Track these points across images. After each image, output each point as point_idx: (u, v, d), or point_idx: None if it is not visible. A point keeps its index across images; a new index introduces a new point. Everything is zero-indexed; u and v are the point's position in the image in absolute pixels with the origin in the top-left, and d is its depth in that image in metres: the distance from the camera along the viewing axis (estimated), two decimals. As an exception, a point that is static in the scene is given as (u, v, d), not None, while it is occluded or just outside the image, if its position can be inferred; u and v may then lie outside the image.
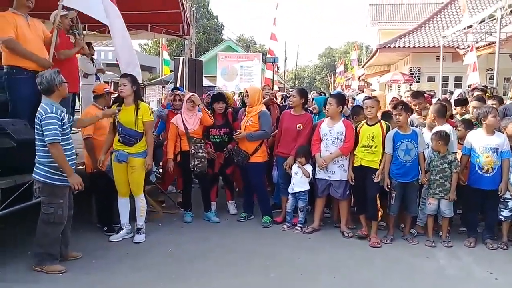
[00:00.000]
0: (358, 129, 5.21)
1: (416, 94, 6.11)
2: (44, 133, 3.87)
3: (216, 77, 21.22)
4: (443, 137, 5.02)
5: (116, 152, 4.82)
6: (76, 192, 4.12)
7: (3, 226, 4.81)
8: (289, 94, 6.85)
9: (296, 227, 5.46)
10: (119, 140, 4.81)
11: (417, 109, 5.80)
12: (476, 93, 6.52)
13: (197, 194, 6.05)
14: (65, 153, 3.98)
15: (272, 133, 5.88)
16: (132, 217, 5.07)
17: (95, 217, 5.44)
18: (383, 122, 5.19)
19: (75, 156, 4.24)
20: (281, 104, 7.66)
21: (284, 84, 33.71)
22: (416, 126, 5.53)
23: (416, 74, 20.48)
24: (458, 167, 5.01)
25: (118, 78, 17.21)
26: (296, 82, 52.59)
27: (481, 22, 11.92)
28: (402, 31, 21.69)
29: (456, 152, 5.15)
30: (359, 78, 26.63)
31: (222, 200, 6.30)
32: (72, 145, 4.20)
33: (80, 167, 5.07)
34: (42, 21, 6.25)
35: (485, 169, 4.96)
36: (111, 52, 21.88)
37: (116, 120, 4.82)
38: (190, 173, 5.72)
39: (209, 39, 39.86)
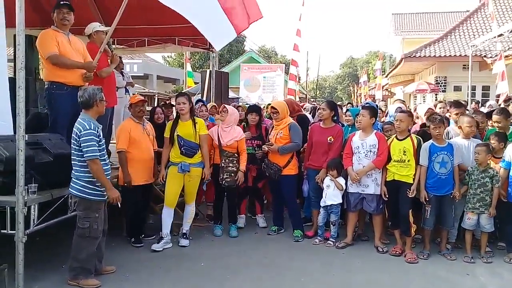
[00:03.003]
0: (388, 144, 5.13)
1: (458, 104, 5.95)
2: (83, 150, 3.91)
3: (239, 88, 21.32)
4: (490, 149, 4.95)
5: (178, 164, 5.14)
6: (114, 204, 4.17)
7: (37, 239, 4.85)
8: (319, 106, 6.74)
9: (329, 242, 5.37)
10: (181, 153, 5.14)
11: (457, 119, 5.65)
12: (512, 105, 6.27)
13: (226, 206, 6.01)
14: None
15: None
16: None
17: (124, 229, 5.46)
18: (413, 136, 5.10)
19: (110, 172, 4.26)
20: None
21: (306, 95, 33.63)
22: (451, 138, 5.40)
23: (442, 83, 20.14)
24: (499, 181, 4.86)
25: (144, 90, 17.24)
26: (318, 92, 52.35)
27: (512, 30, 11.65)
28: (426, 40, 21.39)
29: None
30: (382, 88, 26.36)
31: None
32: (108, 160, 4.24)
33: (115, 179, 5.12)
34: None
35: (524, 183, 4.80)
36: (136, 65, 22.20)
37: (176, 134, 5.16)
38: (220, 187, 5.69)
39: (231, 50, 40.10)
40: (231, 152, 5.57)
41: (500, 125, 5.43)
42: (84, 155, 3.91)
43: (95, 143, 3.93)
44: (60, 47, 4.76)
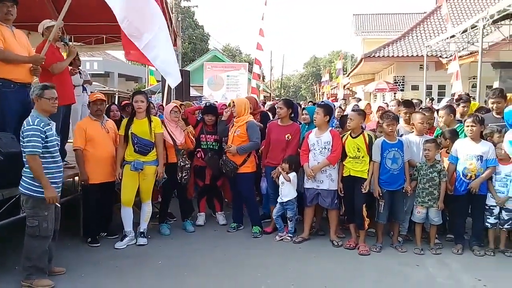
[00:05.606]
0: (343, 141, 5.28)
1: (408, 103, 6.19)
2: (24, 145, 3.84)
3: (202, 86, 21.20)
4: (438, 145, 5.17)
5: (132, 162, 5.10)
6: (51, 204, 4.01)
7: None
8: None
9: (286, 237, 5.47)
10: (134, 150, 5.13)
11: (406, 117, 5.88)
12: (462, 104, 6.53)
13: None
14: (50, 167, 3.95)
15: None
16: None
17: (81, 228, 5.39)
18: (365, 133, 5.28)
19: (62, 170, 4.19)
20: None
21: (270, 94, 33.86)
22: (402, 135, 5.60)
23: (400, 82, 20.75)
24: (446, 176, 5.09)
25: (104, 88, 16.91)
26: (282, 91, 52.79)
27: (463, 32, 12.16)
28: (385, 41, 21.98)
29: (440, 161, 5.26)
30: (344, 87, 26.88)
31: (208, 210, 6.33)
32: (59, 159, 4.13)
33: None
34: (27, 32, 6.18)
35: (468, 176, 5.04)
36: (96, 62, 21.74)
37: (130, 132, 5.13)
38: (174, 186, 5.72)
39: (195, 49, 39.90)
40: (182, 149, 5.64)
41: (443, 119, 5.77)
42: (24, 150, 3.84)
43: (37, 138, 3.83)
44: (5, 42, 4.56)
